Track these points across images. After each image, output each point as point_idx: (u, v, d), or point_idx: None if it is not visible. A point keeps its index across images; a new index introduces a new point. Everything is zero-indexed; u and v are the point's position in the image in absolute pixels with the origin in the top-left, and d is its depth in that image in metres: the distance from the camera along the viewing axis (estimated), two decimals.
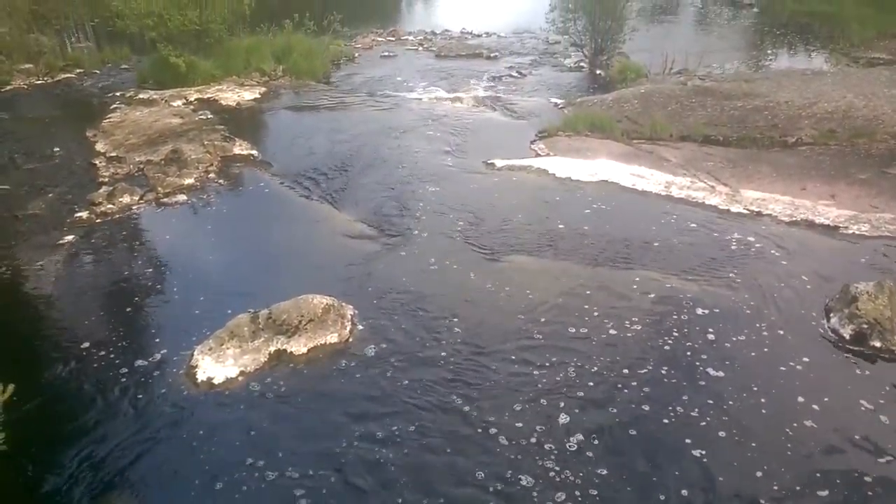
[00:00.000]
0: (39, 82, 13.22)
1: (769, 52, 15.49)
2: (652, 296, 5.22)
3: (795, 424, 3.89)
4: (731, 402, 4.08)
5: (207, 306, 5.29)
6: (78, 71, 14.05)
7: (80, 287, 5.74)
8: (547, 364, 4.47)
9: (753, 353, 4.55)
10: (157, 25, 12.41)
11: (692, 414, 4.00)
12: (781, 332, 4.75)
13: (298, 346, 4.68)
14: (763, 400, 4.10)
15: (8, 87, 12.40)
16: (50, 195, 7.64)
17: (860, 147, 8.30)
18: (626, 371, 4.39)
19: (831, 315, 4.88)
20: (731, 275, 5.52)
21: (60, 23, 15.68)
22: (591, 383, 4.28)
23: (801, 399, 4.09)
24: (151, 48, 13.34)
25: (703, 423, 3.92)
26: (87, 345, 4.84)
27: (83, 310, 5.36)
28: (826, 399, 4.09)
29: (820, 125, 8.84)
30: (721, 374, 4.35)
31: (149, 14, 12.39)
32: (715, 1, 22.85)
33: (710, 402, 4.10)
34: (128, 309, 5.35)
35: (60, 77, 13.62)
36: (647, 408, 4.05)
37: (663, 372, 4.38)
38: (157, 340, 4.90)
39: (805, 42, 15.96)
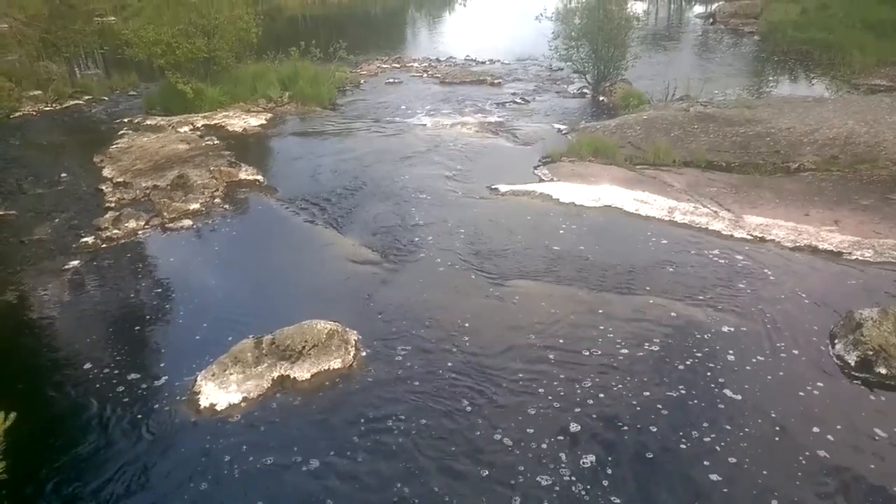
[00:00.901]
0: (48, 109, 13.41)
1: (770, 78, 15.61)
2: (657, 321, 5.20)
3: (808, 453, 3.83)
4: (746, 430, 4.04)
5: (211, 331, 5.29)
6: (86, 98, 14.26)
7: (85, 312, 5.75)
8: (558, 384, 4.44)
9: (769, 377, 4.52)
10: (165, 53, 12.63)
11: (705, 439, 3.96)
12: (787, 359, 4.71)
13: (302, 372, 4.66)
14: (777, 428, 4.05)
15: (17, 114, 12.54)
16: (56, 220, 7.70)
17: (862, 173, 8.31)
18: (647, 393, 4.38)
19: (836, 341, 4.85)
20: (735, 300, 5.50)
21: (70, 50, 15.95)
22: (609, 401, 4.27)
23: (815, 429, 4.03)
24: (159, 75, 13.56)
25: (718, 449, 3.89)
26: (89, 368, 4.84)
27: (87, 335, 5.36)
28: (839, 427, 4.04)
29: (822, 151, 8.87)
30: (739, 396, 4.33)
31: (157, 42, 12.62)
32: (716, 28, 23.10)
33: (728, 427, 4.06)
34: (132, 334, 5.36)
35: (69, 104, 13.82)
36: (654, 429, 4.02)
37: (683, 393, 4.38)
38: (161, 366, 4.90)
39: (806, 69, 16.08)
